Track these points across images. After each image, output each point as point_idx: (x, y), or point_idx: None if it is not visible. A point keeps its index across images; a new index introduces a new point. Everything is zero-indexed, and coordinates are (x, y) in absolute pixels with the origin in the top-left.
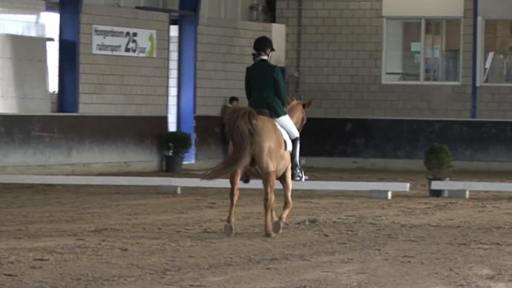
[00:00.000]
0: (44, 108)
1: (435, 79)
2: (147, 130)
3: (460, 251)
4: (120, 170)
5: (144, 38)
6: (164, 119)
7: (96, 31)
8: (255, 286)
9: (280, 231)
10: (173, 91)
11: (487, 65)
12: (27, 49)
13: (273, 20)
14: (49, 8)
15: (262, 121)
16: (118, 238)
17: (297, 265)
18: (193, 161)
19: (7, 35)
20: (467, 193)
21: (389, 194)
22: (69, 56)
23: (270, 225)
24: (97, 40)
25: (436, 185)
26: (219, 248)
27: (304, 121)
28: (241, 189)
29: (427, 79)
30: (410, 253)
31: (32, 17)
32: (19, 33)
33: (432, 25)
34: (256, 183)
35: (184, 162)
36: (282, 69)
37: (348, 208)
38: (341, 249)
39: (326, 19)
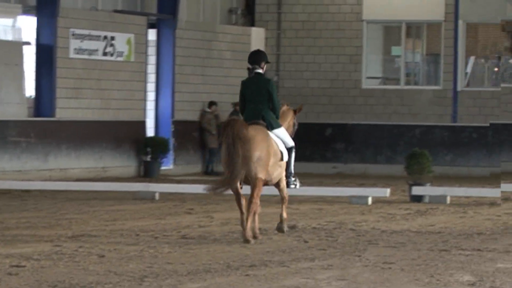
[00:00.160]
0: (21, 113)
1: (415, 84)
2: (125, 135)
3: (441, 257)
4: (97, 175)
5: (122, 42)
6: (142, 124)
7: (73, 35)
8: None
9: (286, 228)
10: (151, 96)
11: (468, 69)
12: (3, 53)
13: (252, 23)
14: (26, 11)
15: (254, 130)
16: (95, 244)
17: (277, 271)
18: (171, 166)
19: None
20: (448, 198)
21: (369, 200)
22: (46, 60)
23: (249, 229)
24: (74, 44)
25: (416, 190)
26: (197, 255)
27: (296, 127)
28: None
29: (407, 83)
30: (391, 259)
31: (8, 21)
32: None
33: (413, 29)
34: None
35: (162, 167)
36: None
37: (328, 214)
38: (321, 256)
39: (305, 23)
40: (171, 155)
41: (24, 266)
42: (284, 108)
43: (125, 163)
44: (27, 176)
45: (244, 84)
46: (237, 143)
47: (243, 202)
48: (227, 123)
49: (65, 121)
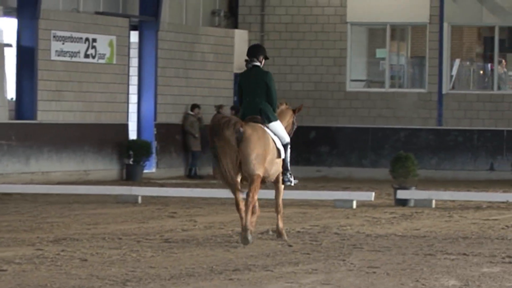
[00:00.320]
0: (2, 116)
1: (400, 86)
2: (107, 138)
3: (426, 262)
4: (79, 178)
5: (104, 44)
6: (124, 127)
7: (54, 36)
8: None
9: (286, 237)
10: (133, 98)
11: (454, 72)
12: None
13: (235, 25)
14: (7, 13)
15: (251, 128)
16: (77, 248)
17: (260, 276)
18: (154, 170)
19: None
20: (434, 202)
21: (354, 204)
22: (27, 63)
23: (250, 224)
24: (55, 46)
25: (401, 194)
26: (180, 259)
27: (295, 127)
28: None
29: (392, 86)
30: (376, 263)
31: None
32: None
33: (398, 31)
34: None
35: (145, 171)
36: None
37: (312, 218)
38: (305, 260)
39: (289, 25)
40: (153, 158)
41: (5, 270)
42: (283, 107)
43: (107, 166)
44: (8, 179)
45: (242, 76)
46: (232, 142)
47: (242, 206)
48: (219, 123)
49: (46, 124)
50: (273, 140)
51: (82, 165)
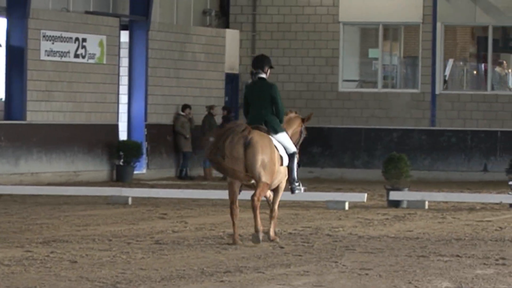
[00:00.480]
0: None
1: (393, 87)
2: (97, 139)
3: (419, 264)
4: (69, 179)
5: (94, 43)
6: (114, 127)
7: (44, 36)
8: None
9: (278, 240)
10: (123, 99)
11: (447, 72)
12: None
13: (226, 25)
14: None
15: (258, 135)
16: (67, 250)
17: (252, 277)
18: (144, 171)
19: None
20: (426, 203)
21: (346, 205)
22: (16, 62)
23: (259, 224)
24: (45, 45)
25: (394, 195)
26: (171, 261)
27: (304, 135)
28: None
29: (385, 86)
30: (368, 265)
31: None
32: None
33: (390, 31)
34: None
35: (136, 172)
36: (236, 76)
37: (304, 219)
38: (296, 262)
39: (281, 25)
40: (144, 159)
41: None
42: (292, 115)
43: (97, 167)
44: None
45: (247, 88)
46: (240, 148)
47: (237, 213)
48: (230, 127)
49: (36, 124)
50: (276, 147)
51: (72, 166)
